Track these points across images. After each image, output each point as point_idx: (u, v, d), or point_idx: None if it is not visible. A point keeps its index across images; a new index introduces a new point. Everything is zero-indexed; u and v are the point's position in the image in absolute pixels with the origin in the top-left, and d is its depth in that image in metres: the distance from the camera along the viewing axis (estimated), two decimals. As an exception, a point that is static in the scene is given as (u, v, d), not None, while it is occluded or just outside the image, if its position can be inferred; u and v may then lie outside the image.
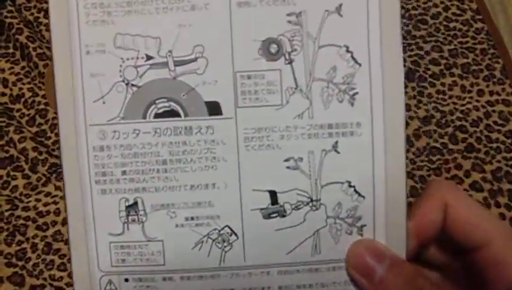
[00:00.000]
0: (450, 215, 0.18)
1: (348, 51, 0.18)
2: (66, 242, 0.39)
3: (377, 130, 0.18)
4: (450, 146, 0.45)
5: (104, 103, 0.18)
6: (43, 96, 0.47)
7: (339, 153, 0.18)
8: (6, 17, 0.49)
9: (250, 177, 0.18)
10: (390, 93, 0.18)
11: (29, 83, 0.48)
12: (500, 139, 0.45)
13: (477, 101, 0.47)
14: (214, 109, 0.18)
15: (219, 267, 0.19)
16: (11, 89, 0.47)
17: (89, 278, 0.19)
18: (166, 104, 0.18)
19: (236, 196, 0.19)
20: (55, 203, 0.41)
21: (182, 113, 0.18)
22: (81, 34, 0.18)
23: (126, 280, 0.19)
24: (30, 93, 0.47)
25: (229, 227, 0.19)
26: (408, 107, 0.45)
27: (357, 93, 0.18)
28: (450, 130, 0.45)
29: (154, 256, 0.19)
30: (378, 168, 0.18)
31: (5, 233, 0.40)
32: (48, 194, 0.41)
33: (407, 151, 0.42)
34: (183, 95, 0.18)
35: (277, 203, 0.19)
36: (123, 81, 0.18)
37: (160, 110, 0.18)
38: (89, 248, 0.19)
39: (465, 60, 0.49)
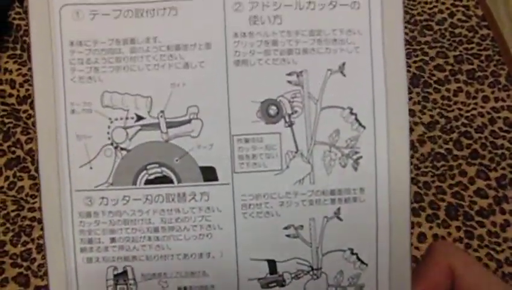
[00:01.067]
0: (458, 282, 0.18)
1: (351, 112, 0.17)
2: None
3: (381, 196, 0.17)
4: (455, 152, 0.44)
5: (91, 168, 0.17)
6: None
7: (341, 220, 0.17)
8: (14, 18, 0.49)
9: (247, 246, 0.17)
10: (395, 157, 0.17)
11: None
12: (505, 145, 0.45)
13: (482, 107, 0.47)
14: (209, 174, 0.17)
15: (214, 339, 0.18)
16: (18, 90, 0.47)
17: None
18: (158, 170, 0.17)
19: (233, 266, 0.17)
20: None
21: (174, 179, 0.17)
22: (66, 92, 0.17)
23: None
24: None
25: (225, 298, 0.18)
26: (412, 113, 0.45)
27: (361, 157, 0.17)
28: (454, 136, 0.45)
29: (144, 329, 0.18)
30: (382, 235, 0.17)
31: (11, 234, 0.40)
32: None
33: (412, 157, 0.41)
34: (176, 160, 0.17)
35: (276, 273, 0.18)
36: (111, 144, 0.17)
37: (152, 177, 0.17)
38: (74, 320, 0.18)
39: (470, 66, 0.49)
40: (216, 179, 0.17)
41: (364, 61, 0.17)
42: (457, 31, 0.51)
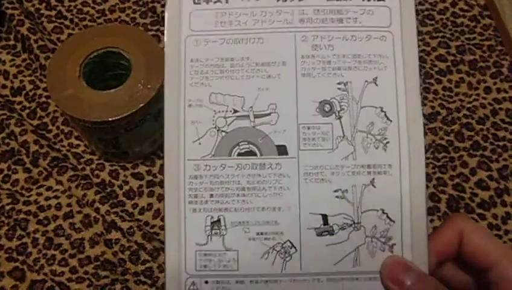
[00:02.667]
0: (465, 241, 0.24)
1: (382, 110, 0.24)
2: (67, 237, 0.39)
3: (404, 171, 0.24)
4: (456, 144, 0.43)
5: (199, 143, 0.24)
6: (44, 89, 0.45)
7: (375, 187, 0.24)
8: (7, 8, 0.48)
9: (307, 203, 0.24)
10: (414, 143, 0.24)
11: (30, 75, 0.46)
12: (507, 137, 0.44)
13: (484, 98, 0.46)
14: (282, 150, 0.24)
15: (281, 273, 0.24)
16: (12, 82, 0.46)
17: (177, 279, 0.24)
18: (247, 146, 0.24)
19: (297, 218, 0.24)
20: (57, 197, 0.40)
21: (258, 153, 0.24)
22: (186, 92, 0.25)
23: (206, 282, 0.24)
24: (31, 86, 0.46)
25: (290, 241, 0.24)
26: None
27: (388, 142, 0.24)
28: (456, 127, 0.44)
29: (230, 263, 0.24)
30: (404, 200, 0.24)
31: (6, 227, 0.39)
32: (49, 189, 0.41)
33: None
34: (260, 140, 0.24)
35: (327, 224, 0.24)
36: (215, 128, 0.25)
37: (242, 151, 0.24)
38: (179, 255, 0.24)
39: (472, 57, 0.48)
40: (287, 153, 0.24)
41: (390, 76, 0.24)
42: (459, 20, 0.50)
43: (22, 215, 0.39)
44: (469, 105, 0.45)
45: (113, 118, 0.36)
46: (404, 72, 0.24)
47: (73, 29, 0.49)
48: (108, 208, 0.39)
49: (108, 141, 0.38)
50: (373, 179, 0.24)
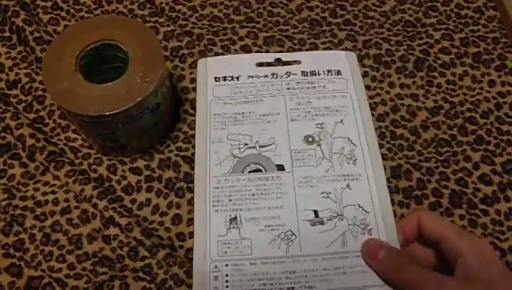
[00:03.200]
0: (422, 223, 0.31)
1: (348, 139, 0.35)
2: (65, 233, 0.38)
3: (370, 177, 0.33)
4: (459, 138, 0.42)
5: (220, 166, 0.34)
6: (41, 82, 0.44)
7: (351, 189, 0.33)
8: None
9: (302, 202, 0.32)
10: (373, 158, 0.34)
11: (26, 68, 0.45)
12: (511, 131, 0.43)
13: (488, 92, 0.44)
14: (280, 168, 0.34)
15: (285, 255, 0.31)
16: (7, 74, 0.45)
17: (203, 264, 0.30)
18: (255, 166, 0.34)
19: (294, 213, 0.32)
20: (54, 192, 0.39)
21: (263, 170, 0.34)
22: (211, 134, 0.35)
23: (226, 265, 0.30)
24: (27, 79, 0.45)
25: (291, 231, 0.31)
26: (416, 98, 0.44)
27: (356, 159, 0.34)
28: (459, 121, 0.43)
29: (245, 249, 0.31)
30: (374, 196, 0.32)
31: (2, 223, 0.38)
32: (46, 184, 0.40)
33: (415, 142, 0.42)
34: (264, 161, 0.34)
35: (318, 217, 0.32)
36: (231, 155, 0.34)
37: (252, 169, 0.34)
38: (205, 245, 0.31)
39: (476, 49, 0.47)
40: (284, 169, 0.34)
41: (352, 118, 0.36)
42: (463, 12, 0.49)
43: (18, 211, 0.39)
44: (473, 99, 0.44)
45: (110, 112, 0.34)
46: (361, 115, 0.36)
47: (69, 20, 0.48)
48: (106, 204, 0.38)
49: (106, 135, 0.37)
50: (348, 183, 0.33)
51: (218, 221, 0.32)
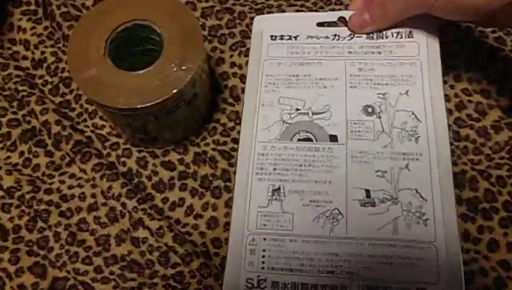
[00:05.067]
0: None
1: (413, 113, 0.31)
2: (92, 233, 0.35)
3: (433, 160, 0.30)
4: None
5: (268, 130, 0.31)
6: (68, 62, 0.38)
7: (409, 170, 0.29)
8: None
9: (353, 179, 0.29)
10: (439, 138, 0.30)
11: (52, 46, 0.41)
12: None
13: None
14: (333, 138, 0.31)
15: (329, 236, 0.28)
16: (33, 52, 0.41)
17: (241, 236, 0.29)
18: (305, 134, 0.31)
19: (344, 190, 0.29)
20: (80, 186, 0.36)
21: (314, 140, 0.31)
22: (261, 96, 0.33)
23: (264, 239, 0.29)
24: (53, 58, 0.41)
25: (338, 209, 0.29)
26: (488, 94, 0.37)
27: (419, 136, 0.30)
28: None
29: (286, 224, 0.29)
30: (434, 183, 0.29)
31: (26, 218, 0.35)
32: (72, 176, 0.37)
33: (483, 145, 0.36)
34: (316, 130, 0.31)
35: (370, 197, 0.29)
36: (281, 120, 0.32)
37: (301, 137, 0.31)
38: (244, 215, 0.29)
39: None
40: (337, 141, 0.31)
41: (419, 89, 0.32)
42: None
43: (42, 206, 0.36)
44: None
45: (142, 106, 0.31)
46: (430, 86, 0.31)
47: (99, -7, 0.42)
48: (135, 204, 0.35)
49: (136, 127, 0.34)
50: (407, 163, 0.30)
51: (260, 190, 0.30)
